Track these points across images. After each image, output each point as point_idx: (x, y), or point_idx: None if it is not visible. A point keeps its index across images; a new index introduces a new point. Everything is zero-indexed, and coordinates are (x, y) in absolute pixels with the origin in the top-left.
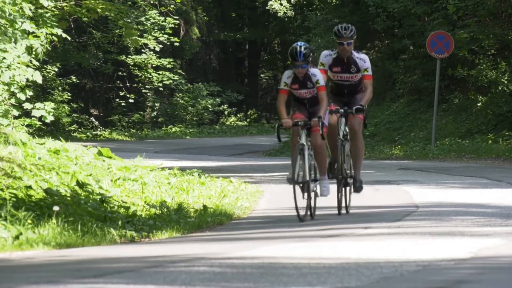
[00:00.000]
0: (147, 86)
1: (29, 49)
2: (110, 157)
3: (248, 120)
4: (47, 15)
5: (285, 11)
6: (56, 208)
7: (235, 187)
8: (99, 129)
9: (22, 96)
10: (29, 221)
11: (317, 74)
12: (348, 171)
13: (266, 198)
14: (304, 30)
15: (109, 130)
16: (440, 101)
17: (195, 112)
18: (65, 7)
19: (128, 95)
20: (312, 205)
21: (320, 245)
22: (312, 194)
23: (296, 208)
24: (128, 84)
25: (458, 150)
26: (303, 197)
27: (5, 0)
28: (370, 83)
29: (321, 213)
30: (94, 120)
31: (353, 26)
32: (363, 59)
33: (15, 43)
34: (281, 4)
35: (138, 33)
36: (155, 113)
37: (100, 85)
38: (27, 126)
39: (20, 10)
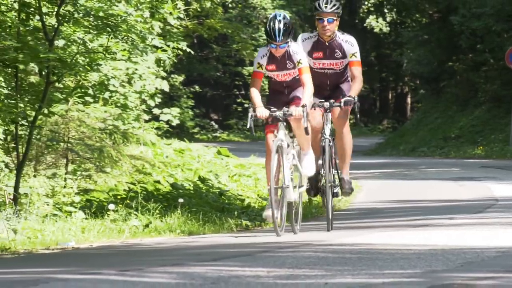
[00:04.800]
0: None
1: (158, 62)
2: (228, 156)
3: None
4: (174, 31)
5: (381, 27)
6: (180, 200)
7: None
8: (218, 132)
9: (151, 103)
10: (157, 211)
11: (299, 52)
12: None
13: (363, 192)
14: (397, 45)
15: (227, 132)
16: None
17: None
18: (189, 26)
19: (244, 102)
20: (296, 216)
21: (411, 233)
22: (294, 203)
23: (273, 219)
24: (243, 92)
25: None
26: (278, 215)
27: (136, 19)
28: (359, 70)
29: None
30: (214, 123)
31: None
32: (349, 41)
33: (146, 55)
34: (377, 21)
35: (253, 48)
36: None
37: (219, 93)
38: (156, 128)
39: (150, 28)
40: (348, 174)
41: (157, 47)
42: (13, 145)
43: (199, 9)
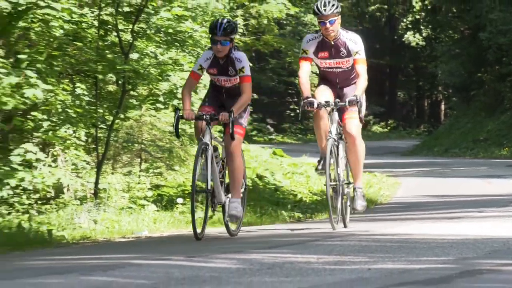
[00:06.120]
0: None
1: None
2: (282, 156)
3: (388, 128)
4: None
5: (418, 42)
6: (240, 195)
7: (378, 180)
8: (273, 134)
9: None
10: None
11: (243, 60)
12: (344, 178)
13: (403, 188)
14: (432, 58)
15: (281, 135)
16: None
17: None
18: (247, 41)
19: (296, 107)
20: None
21: (444, 225)
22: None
23: (193, 223)
24: (295, 99)
25: None
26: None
27: (201, 34)
28: (364, 68)
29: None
30: (269, 127)
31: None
32: (353, 40)
33: None
34: (414, 36)
35: None
36: None
37: (274, 100)
38: (219, 131)
39: None
40: (362, 184)
41: None
42: (93, 146)
43: (256, 26)
